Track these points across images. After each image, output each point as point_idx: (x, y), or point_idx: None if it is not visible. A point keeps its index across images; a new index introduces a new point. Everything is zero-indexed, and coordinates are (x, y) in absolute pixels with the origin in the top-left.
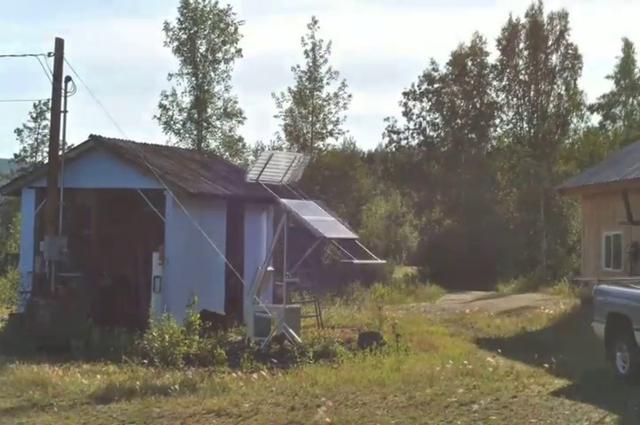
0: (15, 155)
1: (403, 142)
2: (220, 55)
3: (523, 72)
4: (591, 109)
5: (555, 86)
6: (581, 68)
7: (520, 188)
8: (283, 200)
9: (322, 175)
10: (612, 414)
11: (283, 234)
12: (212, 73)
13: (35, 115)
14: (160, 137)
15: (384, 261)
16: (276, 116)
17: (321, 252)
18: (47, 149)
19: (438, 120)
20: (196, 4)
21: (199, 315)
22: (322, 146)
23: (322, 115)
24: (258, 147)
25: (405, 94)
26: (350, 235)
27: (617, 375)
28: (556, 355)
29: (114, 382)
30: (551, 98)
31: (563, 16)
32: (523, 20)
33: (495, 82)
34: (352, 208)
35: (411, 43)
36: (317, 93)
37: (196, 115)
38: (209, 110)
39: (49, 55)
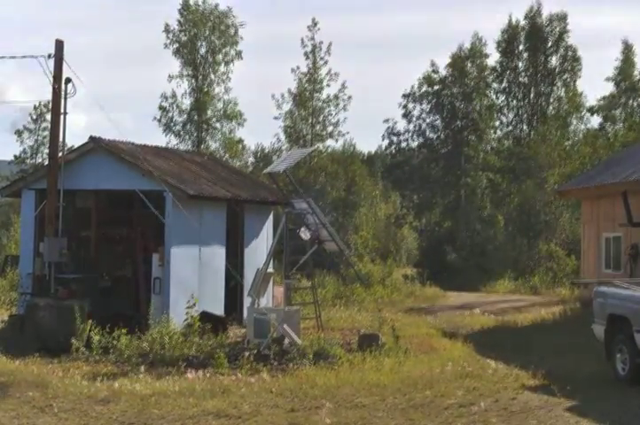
0: (15, 156)
1: (403, 144)
2: (220, 57)
3: (523, 74)
4: (591, 111)
5: (555, 88)
6: (580, 70)
7: (520, 190)
8: (303, 203)
9: (321, 177)
10: (612, 416)
11: (283, 235)
12: (212, 75)
13: (35, 117)
14: (160, 139)
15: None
16: (276, 117)
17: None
18: (47, 150)
19: (438, 122)
20: (196, 7)
21: (198, 317)
22: (322, 148)
23: (322, 117)
24: (258, 149)
25: (405, 96)
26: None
27: (617, 377)
28: (556, 357)
29: (114, 383)
30: (551, 100)
31: (562, 18)
32: (522, 22)
33: (494, 84)
34: (351, 210)
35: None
36: (317, 95)
37: (196, 117)
38: (209, 112)
39: (49, 56)
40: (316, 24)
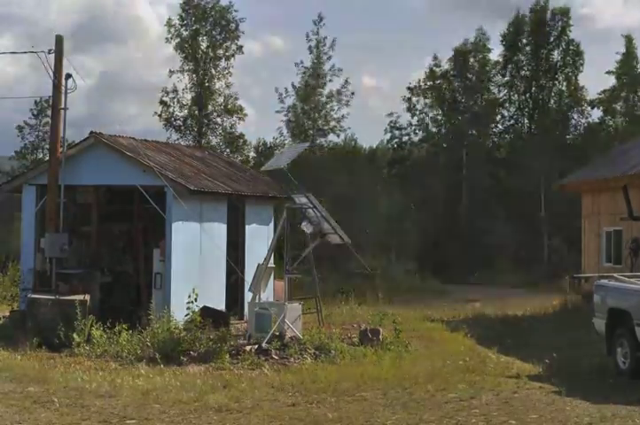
0: (16, 152)
1: (405, 139)
2: (221, 52)
3: (525, 68)
4: (592, 104)
5: (556, 82)
6: (582, 64)
7: (521, 183)
8: (303, 198)
9: (322, 172)
10: (613, 410)
11: (284, 230)
12: (213, 70)
13: (35, 112)
14: (161, 134)
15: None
16: (278, 111)
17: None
18: (48, 146)
19: (440, 116)
20: (198, 1)
21: (199, 312)
22: (324, 143)
23: (324, 112)
24: (259, 143)
25: (410, 89)
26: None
27: (618, 371)
28: (557, 350)
29: (115, 378)
30: (552, 94)
31: (565, 12)
32: (527, 16)
33: (496, 78)
34: (353, 204)
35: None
36: (320, 90)
37: (197, 112)
38: (210, 106)
39: (49, 52)
40: (321, 19)
